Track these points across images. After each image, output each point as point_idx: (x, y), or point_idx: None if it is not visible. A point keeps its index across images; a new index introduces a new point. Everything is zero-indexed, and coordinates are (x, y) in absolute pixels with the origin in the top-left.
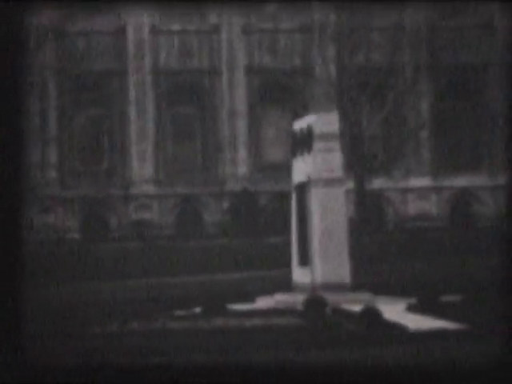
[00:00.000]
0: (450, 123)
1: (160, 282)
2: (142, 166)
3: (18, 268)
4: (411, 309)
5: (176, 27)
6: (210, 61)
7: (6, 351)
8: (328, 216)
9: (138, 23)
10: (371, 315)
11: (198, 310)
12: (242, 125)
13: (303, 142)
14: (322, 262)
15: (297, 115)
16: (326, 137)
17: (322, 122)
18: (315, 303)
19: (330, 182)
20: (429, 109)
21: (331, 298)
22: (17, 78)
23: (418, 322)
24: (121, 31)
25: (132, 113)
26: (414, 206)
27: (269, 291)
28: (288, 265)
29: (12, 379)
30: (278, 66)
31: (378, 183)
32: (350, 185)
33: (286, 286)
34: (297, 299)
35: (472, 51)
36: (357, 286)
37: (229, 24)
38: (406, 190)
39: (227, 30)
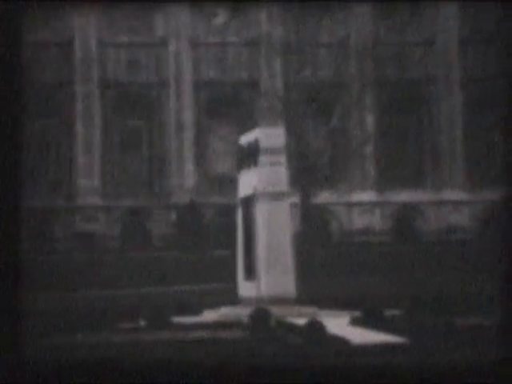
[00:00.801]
0: (395, 138)
1: (105, 294)
2: (88, 178)
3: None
4: (355, 322)
5: (123, 40)
6: (158, 73)
7: (6, 351)
8: (273, 229)
9: (86, 35)
10: (315, 328)
11: (142, 322)
12: (188, 137)
13: (249, 156)
14: (268, 275)
15: (243, 129)
16: (271, 151)
17: (268, 135)
18: (260, 316)
19: (275, 196)
20: (374, 123)
21: (276, 311)
22: (15, 78)
23: (361, 336)
24: (68, 43)
25: (79, 124)
26: (358, 220)
27: (215, 304)
28: (234, 278)
29: (11, 379)
30: (226, 80)
31: (323, 197)
32: (296, 199)
33: (232, 299)
34: (242, 312)
35: (416, 67)
36: (302, 299)
37: (176, 37)
38: (350, 205)
39: (174, 42)
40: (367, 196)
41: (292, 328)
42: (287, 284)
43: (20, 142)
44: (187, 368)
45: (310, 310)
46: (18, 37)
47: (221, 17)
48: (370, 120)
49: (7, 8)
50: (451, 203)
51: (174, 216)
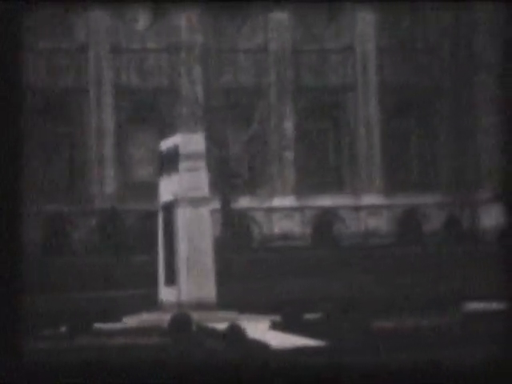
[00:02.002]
0: (314, 144)
1: (26, 300)
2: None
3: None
4: (275, 326)
5: (43, 45)
6: (78, 79)
7: (6, 351)
8: (194, 235)
9: None
10: (235, 333)
11: (63, 328)
12: (109, 143)
13: (170, 162)
14: (188, 280)
15: (164, 135)
16: (191, 156)
17: (188, 141)
18: (180, 321)
19: (195, 202)
20: (293, 129)
21: (197, 316)
22: (15, 79)
23: (280, 340)
24: None
25: None
26: (278, 226)
27: (136, 310)
28: (155, 284)
29: (11, 379)
30: (146, 86)
31: (243, 203)
32: (216, 204)
33: (153, 304)
34: (163, 318)
35: (334, 73)
36: (222, 304)
37: (96, 43)
38: (270, 210)
39: (95, 48)
40: (287, 201)
41: (212, 333)
42: (208, 289)
43: (20, 144)
44: (107, 374)
45: (231, 314)
46: (18, 37)
47: (141, 23)
48: (289, 126)
49: (7, 8)
50: (369, 208)
51: (94, 222)
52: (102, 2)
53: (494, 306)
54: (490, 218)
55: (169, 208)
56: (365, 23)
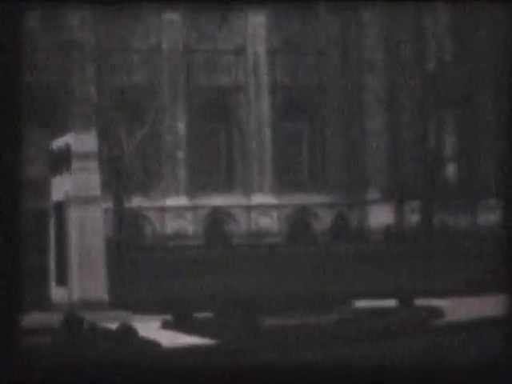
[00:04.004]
0: (206, 144)
1: None
2: None
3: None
4: (166, 326)
5: None
6: None
7: (5, 351)
8: (85, 234)
9: None
10: (127, 332)
11: None
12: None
13: (62, 161)
14: (80, 280)
15: (56, 134)
16: (83, 156)
17: (80, 140)
18: (72, 321)
19: (87, 201)
20: (185, 129)
21: (88, 315)
22: (15, 78)
23: (171, 339)
24: None
25: None
26: (171, 225)
27: (26, 310)
28: (46, 283)
29: (11, 379)
30: (38, 84)
31: (136, 202)
32: (109, 204)
33: (44, 304)
34: (54, 318)
35: (226, 74)
36: (114, 303)
37: None
38: (163, 209)
39: None
40: (179, 201)
41: (104, 332)
42: (99, 289)
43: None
44: None
45: (122, 314)
46: (18, 37)
47: (32, 21)
48: (181, 126)
49: (7, 8)
50: (260, 207)
51: None
52: None
53: (383, 303)
54: (378, 217)
55: (60, 207)
56: (256, 25)
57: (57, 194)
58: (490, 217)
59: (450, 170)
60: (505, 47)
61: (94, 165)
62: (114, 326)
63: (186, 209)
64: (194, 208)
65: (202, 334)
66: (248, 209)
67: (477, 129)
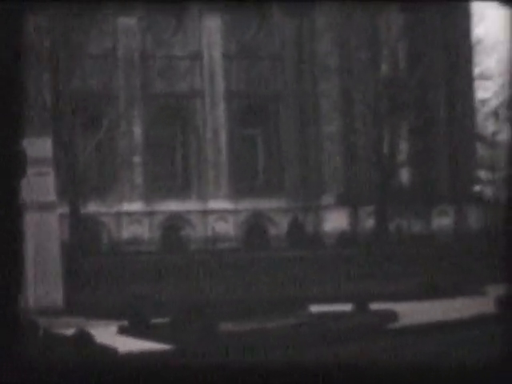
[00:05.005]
0: (162, 149)
1: None
2: None
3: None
4: (122, 331)
5: None
6: None
7: (5, 351)
8: (41, 240)
9: None
10: (83, 338)
11: None
12: None
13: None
14: (35, 285)
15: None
16: (39, 161)
17: (35, 146)
18: (28, 327)
19: (43, 206)
20: (141, 135)
21: (44, 322)
22: (15, 77)
23: (128, 345)
24: None
25: None
26: (127, 230)
27: None
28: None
29: (11, 379)
30: None
31: (92, 207)
32: (65, 209)
33: None
34: None
35: (182, 79)
36: (70, 309)
37: None
38: (119, 215)
39: None
40: (135, 206)
41: (60, 339)
42: (55, 294)
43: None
44: None
45: (79, 320)
46: (18, 37)
47: None
48: (137, 131)
49: (7, 8)
50: (216, 212)
51: None
52: None
53: (339, 307)
54: (333, 222)
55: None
56: (212, 30)
57: None
58: (443, 221)
59: (404, 175)
60: (457, 52)
61: (49, 170)
62: (70, 331)
63: (142, 214)
64: (151, 213)
65: (159, 340)
66: (204, 214)
67: (430, 134)
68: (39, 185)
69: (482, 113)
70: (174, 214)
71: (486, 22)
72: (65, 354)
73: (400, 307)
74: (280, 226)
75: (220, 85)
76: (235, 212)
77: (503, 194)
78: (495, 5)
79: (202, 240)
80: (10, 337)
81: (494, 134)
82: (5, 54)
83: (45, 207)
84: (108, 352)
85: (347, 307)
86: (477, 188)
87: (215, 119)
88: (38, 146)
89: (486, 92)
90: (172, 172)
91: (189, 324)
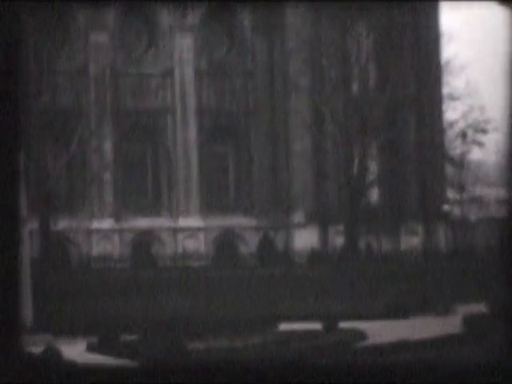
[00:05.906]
0: (133, 166)
1: None
2: None
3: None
4: (91, 348)
5: None
6: None
7: (5, 351)
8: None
9: None
10: (51, 355)
11: None
12: None
13: None
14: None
15: None
16: None
17: None
18: None
19: None
20: (112, 151)
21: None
22: (14, 80)
23: (97, 361)
24: None
25: None
26: (97, 247)
27: None
28: None
29: (11, 379)
30: None
31: (62, 224)
32: (34, 225)
33: None
34: None
35: (153, 97)
36: (39, 326)
37: None
38: (89, 231)
39: None
40: (106, 223)
41: (27, 356)
42: (24, 311)
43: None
44: None
45: (47, 337)
46: (18, 37)
47: None
48: (108, 147)
49: (7, 8)
50: (187, 230)
51: None
52: None
53: (308, 326)
54: (303, 240)
55: None
56: (183, 47)
57: None
58: (412, 240)
59: (374, 193)
60: (426, 72)
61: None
62: (38, 349)
63: (112, 231)
64: (121, 230)
65: (128, 356)
66: (175, 231)
67: (399, 154)
68: None
69: (451, 133)
70: (144, 231)
71: (454, 43)
72: (33, 372)
73: (368, 326)
74: (250, 243)
75: (191, 102)
76: (205, 229)
77: (471, 213)
78: (494, 5)
79: (172, 257)
80: None
81: (462, 154)
82: (5, 53)
83: None
84: (76, 370)
85: (316, 325)
86: (445, 207)
87: (186, 136)
88: None
89: (455, 113)
90: (142, 189)
91: (158, 341)
